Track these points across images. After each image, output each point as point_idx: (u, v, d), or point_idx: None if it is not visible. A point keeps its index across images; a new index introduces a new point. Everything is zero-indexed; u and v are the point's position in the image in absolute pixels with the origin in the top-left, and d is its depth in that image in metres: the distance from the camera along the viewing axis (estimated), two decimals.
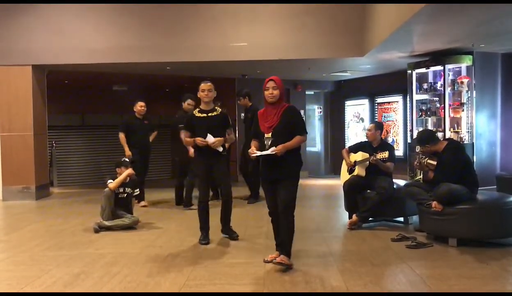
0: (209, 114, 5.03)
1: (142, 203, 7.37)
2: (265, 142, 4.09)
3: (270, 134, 4.07)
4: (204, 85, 5.01)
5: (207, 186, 5.13)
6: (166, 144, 10.16)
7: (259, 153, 4.07)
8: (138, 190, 6.22)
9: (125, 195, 5.93)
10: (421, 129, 7.97)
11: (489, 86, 7.73)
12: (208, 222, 5.07)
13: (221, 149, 4.94)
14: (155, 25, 7.92)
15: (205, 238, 5.00)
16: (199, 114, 5.04)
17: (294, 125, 4.09)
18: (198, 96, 5.10)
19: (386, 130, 10.23)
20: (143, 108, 7.47)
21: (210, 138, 4.85)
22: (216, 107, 5.13)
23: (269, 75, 4.26)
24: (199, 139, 4.86)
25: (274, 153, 3.97)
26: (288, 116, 4.09)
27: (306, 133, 4.16)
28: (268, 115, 4.13)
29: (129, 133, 7.37)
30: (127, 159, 6.30)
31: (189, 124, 5.07)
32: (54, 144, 9.95)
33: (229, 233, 5.15)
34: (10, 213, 7.24)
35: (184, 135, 5.14)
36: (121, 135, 7.35)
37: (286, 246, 4.08)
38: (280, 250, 4.11)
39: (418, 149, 5.64)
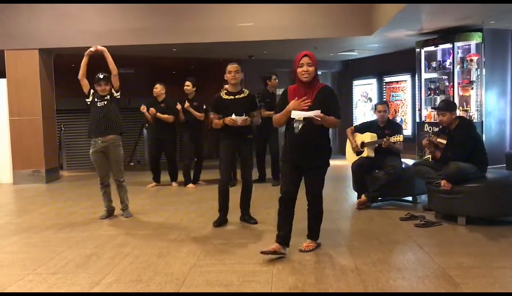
0: (236, 96, 4.94)
1: (174, 184, 7.67)
2: (294, 125, 3.75)
3: (302, 117, 3.65)
4: (231, 67, 4.89)
5: (229, 169, 5.06)
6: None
7: (302, 113, 3.62)
8: (119, 92, 5.58)
9: (105, 102, 5.37)
10: (429, 108, 7.95)
11: (499, 64, 7.62)
12: (227, 204, 4.99)
13: (245, 122, 4.80)
14: (161, 6, 7.84)
15: (217, 220, 4.96)
16: (226, 96, 4.97)
17: (330, 107, 3.71)
18: (225, 78, 4.98)
19: (395, 109, 10.15)
20: (157, 90, 7.48)
21: (236, 118, 4.78)
22: (244, 89, 5.05)
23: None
24: (228, 119, 4.78)
25: (316, 117, 3.57)
26: (323, 97, 3.74)
27: (340, 118, 3.83)
28: (301, 95, 3.72)
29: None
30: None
31: (216, 106, 5.00)
32: (62, 128, 10.00)
33: (247, 220, 5.03)
34: (21, 196, 7.33)
35: (212, 117, 5.03)
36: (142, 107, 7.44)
37: (314, 232, 4.08)
38: (308, 235, 4.09)
39: (433, 129, 5.58)
